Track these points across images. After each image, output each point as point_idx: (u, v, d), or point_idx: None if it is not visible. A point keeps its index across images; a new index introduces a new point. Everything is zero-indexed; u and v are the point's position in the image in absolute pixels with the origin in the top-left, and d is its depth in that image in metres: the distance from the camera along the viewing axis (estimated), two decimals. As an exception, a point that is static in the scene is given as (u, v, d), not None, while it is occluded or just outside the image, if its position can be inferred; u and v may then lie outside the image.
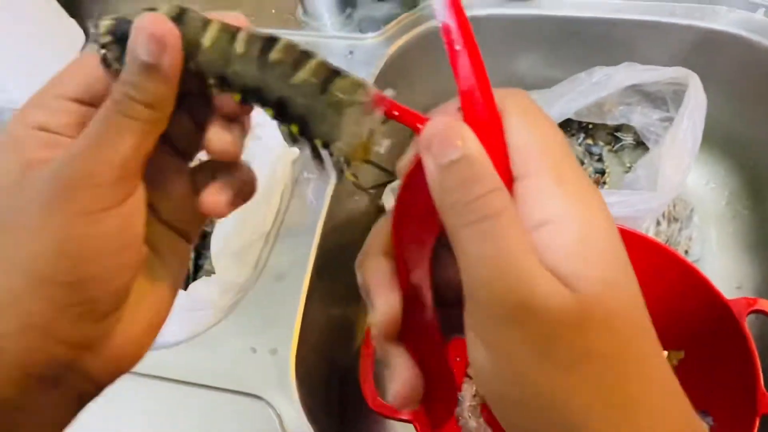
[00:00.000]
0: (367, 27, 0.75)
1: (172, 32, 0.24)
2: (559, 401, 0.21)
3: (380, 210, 0.77)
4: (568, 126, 0.82)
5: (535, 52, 0.78)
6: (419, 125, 0.24)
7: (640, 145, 0.79)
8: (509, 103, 0.24)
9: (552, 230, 0.21)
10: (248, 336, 0.57)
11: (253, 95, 0.26)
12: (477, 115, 0.23)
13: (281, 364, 0.55)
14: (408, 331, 0.26)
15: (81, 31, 0.79)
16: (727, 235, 0.76)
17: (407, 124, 0.25)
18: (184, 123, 0.28)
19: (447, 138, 0.22)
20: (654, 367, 0.22)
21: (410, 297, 0.26)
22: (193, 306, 0.62)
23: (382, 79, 0.73)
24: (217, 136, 0.27)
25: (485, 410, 0.65)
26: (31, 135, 0.25)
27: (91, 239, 0.24)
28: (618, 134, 0.81)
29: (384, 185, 0.24)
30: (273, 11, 0.78)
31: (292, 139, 0.26)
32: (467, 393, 0.65)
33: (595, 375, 0.21)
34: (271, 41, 0.25)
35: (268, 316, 0.58)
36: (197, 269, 0.71)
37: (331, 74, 0.25)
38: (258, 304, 0.59)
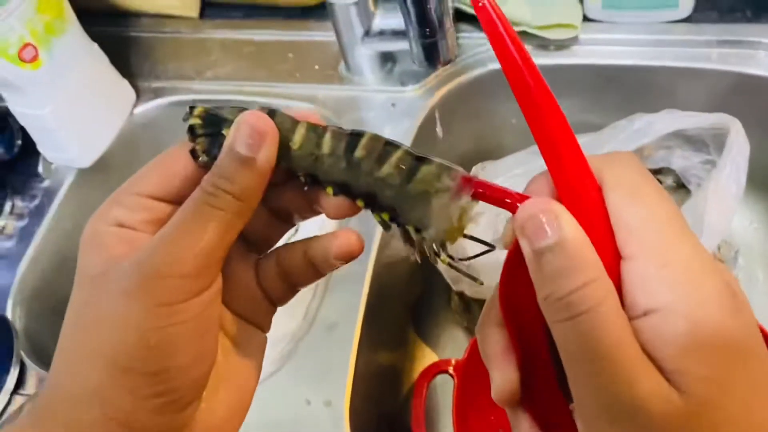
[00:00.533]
0: (408, 80, 0.77)
1: (272, 129, 0.26)
2: None
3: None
4: (607, 169, 0.83)
5: (574, 98, 0.79)
6: (511, 201, 0.24)
7: (681, 187, 0.79)
8: (608, 172, 0.23)
9: (657, 320, 0.20)
10: (302, 387, 0.58)
11: (343, 189, 0.27)
12: (573, 190, 0.22)
13: (335, 415, 0.56)
14: (532, 394, 0.26)
15: (133, 91, 0.83)
16: (775, 275, 0.76)
17: (498, 204, 0.25)
18: (259, 214, 0.29)
19: (540, 222, 0.22)
20: None
21: (530, 362, 0.26)
22: (246, 357, 0.64)
23: (424, 129, 0.74)
24: (329, 205, 0.27)
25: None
26: (111, 231, 0.26)
27: (172, 329, 0.24)
28: (659, 177, 0.81)
29: (482, 255, 0.24)
30: (316, 67, 0.81)
31: (385, 226, 0.27)
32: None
33: None
34: (355, 137, 0.26)
35: (321, 367, 0.59)
36: (249, 320, 0.72)
37: (415, 163, 0.25)
38: (310, 355, 0.60)
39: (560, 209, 0.22)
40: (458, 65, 0.77)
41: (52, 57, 0.69)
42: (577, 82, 0.78)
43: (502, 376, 0.26)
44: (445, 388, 0.69)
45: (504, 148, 0.81)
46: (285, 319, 0.67)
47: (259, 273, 0.30)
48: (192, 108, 0.28)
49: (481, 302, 0.74)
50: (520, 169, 0.74)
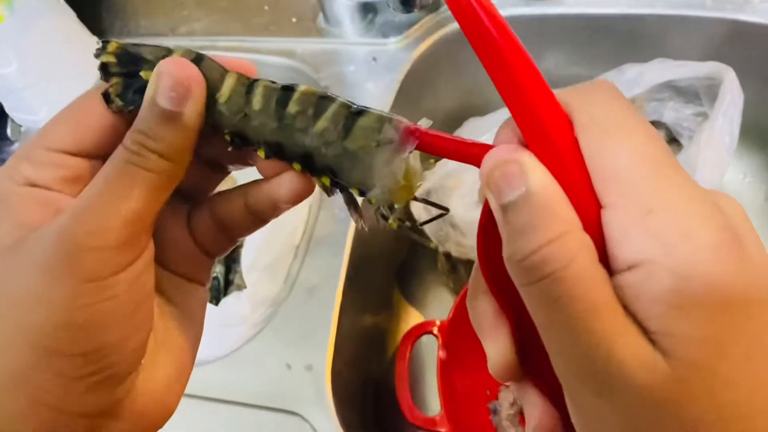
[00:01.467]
0: (389, 32, 0.74)
1: (198, 79, 0.23)
2: None
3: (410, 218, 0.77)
4: (596, 124, 0.81)
5: (561, 50, 0.76)
6: (473, 153, 0.21)
7: (673, 141, 0.77)
8: (580, 109, 0.19)
9: (641, 276, 0.17)
10: (282, 352, 0.57)
11: (276, 151, 0.24)
12: (540, 133, 0.19)
13: (317, 379, 0.55)
14: (534, 363, 0.23)
15: (104, 48, 0.80)
16: (766, 229, 0.74)
17: (456, 157, 0.22)
18: (190, 163, 0.26)
19: (504, 174, 0.19)
20: None
21: (526, 330, 0.22)
22: (225, 322, 0.62)
23: (408, 84, 0.72)
24: (284, 186, 0.25)
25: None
26: (21, 192, 0.23)
27: (101, 306, 0.21)
28: (649, 131, 0.79)
29: (436, 219, 0.22)
30: (294, 20, 0.78)
31: (327, 191, 0.24)
32: (505, 402, 0.64)
33: None
34: (287, 92, 0.24)
35: (302, 331, 0.58)
36: (228, 284, 0.71)
37: (352, 116, 0.23)
38: (291, 319, 0.59)
39: (526, 157, 0.19)
40: (441, 15, 0.74)
41: (14, 12, 0.66)
42: (564, 34, 0.75)
43: (495, 348, 0.23)
44: (430, 349, 0.68)
45: (492, 104, 0.79)
46: (265, 283, 0.66)
47: (192, 226, 0.27)
48: (105, 43, 0.24)
49: (467, 262, 0.73)
50: (507, 124, 0.72)
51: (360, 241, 0.64)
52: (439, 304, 0.76)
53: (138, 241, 0.22)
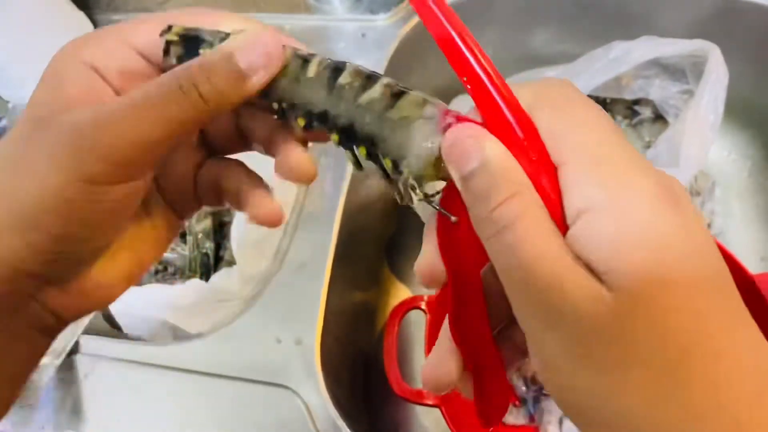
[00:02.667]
0: (378, 8, 0.74)
1: (278, 58, 0.25)
2: (599, 404, 0.20)
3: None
4: (584, 101, 0.81)
5: (549, 26, 0.76)
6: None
7: (659, 119, 0.78)
8: (535, 97, 0.22)
9: (588, 220, 0.20)
10: (272, 326, 0.57)
11: (319, 119, 0.26)
12: (494, 110, 0.22)
13: (306, 353, 0.56)
14: (464, 333, 0.26)
15: (90, 24, 0.79)
16: (749, 207, 0.75)
17: None
18: (226, 122, 0.28)
19: (464, 147, 0.22)
20: (732, 367, 0.19)
21: (464, 300, 0.25)
22: (215, 297, 0.63)
23: (397, 60, 0.72)
24: (296, 159, 0.27)
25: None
26: (78, 69, 0.24)
27: (87, 206, 0.23)
28: (636, 108, 0.79)
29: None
30: (282, -4, 0.77)
31: (358, 165, 0.26)
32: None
33: (642, 381, 0.19)
34: (340, 66, 0.25)
35: (291, 306, 0.58)
36: (218, 260, 0.71)
37: (398, 93, 0.24)
38: (281, 294, 0.59)
39: (482, 132, 0.22)
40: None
41: (-3, -15, 0.65)
42: (552, 10, 0.75)
43: (427, 249, 0.25)
44: (418, 324, 0.69)
45: (480, 81, 0.79)
46: (255, 259, 0.66)
47: (198, 172, 0.29)
48: (170, 26, 0.26)
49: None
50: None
51: (349, 218, 0.64)
52: (428, 280, 0.77)
53: (141, 168, 0.24)
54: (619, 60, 0.64)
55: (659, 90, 0.71)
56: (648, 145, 0.78)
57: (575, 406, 0.21)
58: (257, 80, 0.24)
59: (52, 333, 0.27)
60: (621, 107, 0.80)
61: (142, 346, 0.59)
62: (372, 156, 0.25)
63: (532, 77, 0.73)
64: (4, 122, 0.75)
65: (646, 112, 0.79)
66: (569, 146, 0.21)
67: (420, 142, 0.24)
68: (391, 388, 0.57)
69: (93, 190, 0.23)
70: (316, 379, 0.54)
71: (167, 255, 0.72)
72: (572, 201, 0.20)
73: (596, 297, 0.19)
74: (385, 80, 0.25)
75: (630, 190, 0.20)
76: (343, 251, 0.62)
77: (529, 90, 0.22)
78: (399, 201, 0.26)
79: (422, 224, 0.26)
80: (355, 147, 0.26)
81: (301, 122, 0.26)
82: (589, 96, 0.79)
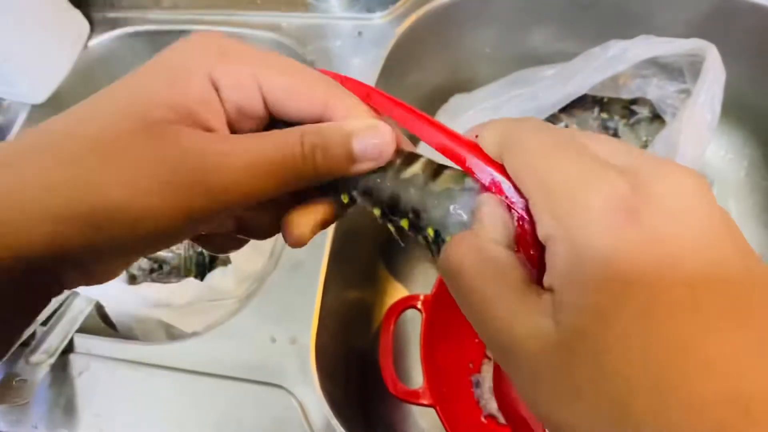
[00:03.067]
0: (375, 6, 0.74)
1: (389, 154, 0.26)
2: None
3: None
4: (581, 100, 0.81)
5: (547, 25, 0.76)
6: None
7: (657, 118, 0.78)
8: (501, 140, 0.23)
9: (549, 251, 0.20)
10: (267, 325, 0.57)
11: (363, 194, 0.27)
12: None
13: (301, 352, 0.55)
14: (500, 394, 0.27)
15: (86, 22, 0.79)
16: (746, 206, 0.75)
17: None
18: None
19: None
20: (682, 401, 0.17)
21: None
22: (210, 296, 0.63)
23: (393, 59, 0.71)
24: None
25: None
26: (204, 85, 0.24)
27: (171, 231, 0.23)
28: (634, 107, 0.79)
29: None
30: (279, -7, 0.77)
31: (400, 236, 0.28)
32: (487, 375, 0.65)
33: (589, 417, 0.18)
34: None
35: (287, 305, 0.58)
36: (213, 259, 0.71)
37: (439, 167, 0.26)
38: (276, 293, 0.59)
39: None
40: (429, -12, 0.74)
41: (-8, -17, 0.65)
42: (551, 10, 0.75)
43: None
44: (414, 324, 0.69)
45: (477, 80, 0.79)
46: (250, 258, 0.66)
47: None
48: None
49: (452, 238, 0.73)
50: (490, 102, 0.72)
51: (344, 217, 0.64)
52: (423, 279, 0.76)
53: (234, 213, 0.26)
54: (616, 59, 0.64)
55: (657, 89, 0.71)
56: (645, 145, 0.78)
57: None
58: (361, 168, 0.25)
59: (47, 299, 0.26)
60: (618, 106, 0.80)
61: (137, 345, 0.59)
62: (414, 227, 0.26)
63: (529, 76, 0.73)
64: (-1, 120, 0.75)
65: (643, 112, 0.79)
66: (528, 181, 0.21)
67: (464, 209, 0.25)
68: (385, 388, 0.57)
69: (185, 224, 0.23)
70: (311, 379, 0.54)
71: (163, 254, 0.72)
72: (539, 233, 0.21)
73: (542, 335, 0.19)
74: (424, 158, 0.27)
75: (578, 213, 0.19)
76: (339, 250, 0.62)
77: (495, 134, 0.23)
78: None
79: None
80: (398, 219, 0.27)
81: (345, 198, 0.28)
82: (587, 94, 0.79)
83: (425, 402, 0.56)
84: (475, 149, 0.24)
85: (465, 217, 0.24)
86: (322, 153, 0.24)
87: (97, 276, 0.26)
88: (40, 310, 0.26)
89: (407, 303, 0.62)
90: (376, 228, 0.78)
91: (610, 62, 0.65)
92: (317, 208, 0.28)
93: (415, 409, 0.68)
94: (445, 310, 0.61)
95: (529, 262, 0.22)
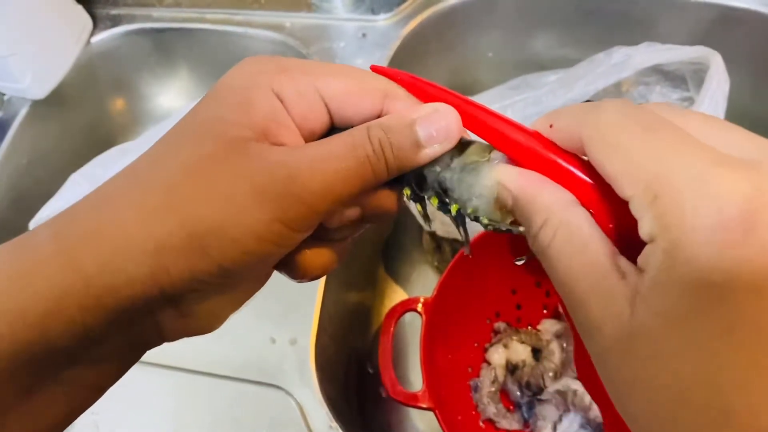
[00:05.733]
0: (380, 8, 0.74)
1: (455, 137, 0.25)
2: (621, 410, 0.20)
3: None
4: (584, 106, 0.81)
5: (551, 31, 0.76)
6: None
7: (659, 125, 0.78)
8: (583, 131, 0.22)
9: (647, 252, 0.19)
10: (267, 326, 0.57)
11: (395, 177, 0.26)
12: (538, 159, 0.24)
13: (301, 353, 0.55)
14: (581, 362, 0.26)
15: (89, 18, 0.78)
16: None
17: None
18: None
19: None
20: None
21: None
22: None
23: (397, 61, 0.71)
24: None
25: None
26: (269, 97, 0.24)
27: (269, 247, 0.23)
28: (636, 114, 0.79)
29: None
30: (284, -7, 0.77)
31: (425, 217, 0.28)
32: (486, 379, 0.65)
33: (647, 406, 0.19)
34: None
35: (287, 306, 0.58)
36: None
37: (463, 143, 0.26)
38: (276, 294, 0.58)
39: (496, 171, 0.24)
40: (435, -10, 0.74)
41: (-4, -22, 0.65)
42: (555, 15, 0.75)
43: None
44: (413, 328, 0.69)
45: (480, 84, 0.79)
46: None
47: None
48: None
49: (452, 241, 0.73)
50: (494, 105, 0.72)
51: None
52: (424, 283, 0.76)
53: (321, 220, 0.25)
54: (620, 65, 0.64)
55: (660, 96, 0.71)
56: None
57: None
58: (430, 153, 0.25)
59: (144, 350, 0.26)
60: (620, 113, 0.80)
61: (135, 344, 0.58)
62: (443, 204, 0.26)
63: (532, 81, 0.73)
64: (0, 115, 0.75)
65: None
66: (626, 182, 0.20)
67: (488, 183, 0.25)
68: (385, 391, 0.57)
69: (284, 234, 0.23)
70: (310, 380, 0.54)
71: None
72: (642, 231, 0.19)
73: (616, 320, 0.19)
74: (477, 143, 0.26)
75: (685, 227, 0.18)
76: (340, 252, 0.62)
77: (581, 122, 0.22)
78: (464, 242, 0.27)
79: (417, 226, 0.27)
80: (426, 199, 0.27)
81: (407, 191, 0.27)
82: (588, 101, 0.79)
83: (424, 405, 0.55)
84: (540, 139, 0.24)
85: (487, 186, 0.25)
86: (389, 144, 0.24)
87: (199, 319, 0.26)
88: (132, 363, 0.27)
89: (407, 306, 0.62)
90: (377, 230, 0.78)
91: (614, 68, 0.65)
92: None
93: (413, 413, 0.68)
94: (445, 314, 0.60)
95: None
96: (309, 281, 0.29)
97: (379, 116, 0.26)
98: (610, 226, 0.22)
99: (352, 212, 0.26)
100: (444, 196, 0.26)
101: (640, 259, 0.19)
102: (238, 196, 0.22)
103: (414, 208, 0.28)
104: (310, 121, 0.25)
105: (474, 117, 0.25)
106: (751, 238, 0.17)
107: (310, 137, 0.26)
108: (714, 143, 0.19)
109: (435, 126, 0.24)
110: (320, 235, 0.27)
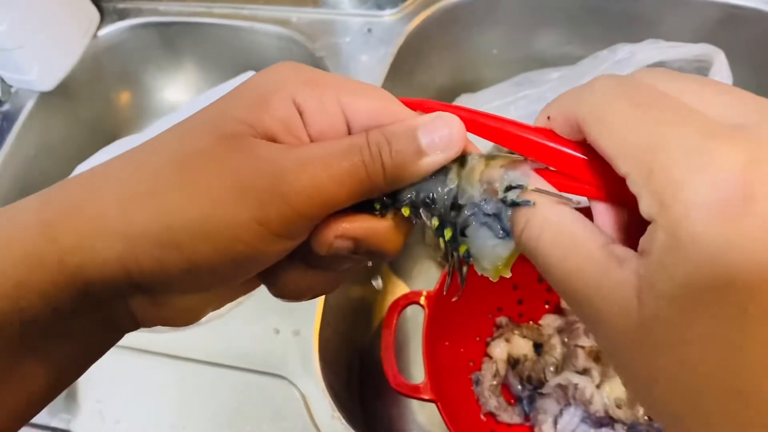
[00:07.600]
0: (386, 3, 0.74)
1: (461, 142, 0.24)
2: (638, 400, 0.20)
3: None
4: (587, 103, 0.81)
5: (555, 27, 0.77)
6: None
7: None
8: (579, 113, 0.21)
9: (649, 231, 0.18)
10: (271, 317, 0.57)
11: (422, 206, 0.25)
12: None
13: (304, 344, 0.56)
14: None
15: (96, 11, 0.79)
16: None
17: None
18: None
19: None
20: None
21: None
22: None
23: (402, 57, 0.72)
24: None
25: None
26: (287, 106, 0.24)
27: (246, 249, 0.22)
28: (639, 112, 0.80)
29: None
30: (289, -11, 0.78)
31: (443, 251, 0.26)
32: (487, 373, 0.65)
33: (665, 399, 0.19)
34: None
35: (290, 297, 0.58)
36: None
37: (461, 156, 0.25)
38: (280, 285, 0.59)
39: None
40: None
41: (4, -30, 0.65)
42: (559, 12, 0.75)
43: None
44: (415, 321, 0.69)
45: (484, 81, 0.79)
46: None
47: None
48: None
49: (455, 236, 0.73)
50: (496, 102, 0.72)
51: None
52: (426, 277, 0.77)
53: (310, 228, 0.24)
54: (623, 62, 0.65)
55: (662, 94, 0.71)
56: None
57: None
58: (432, 161, 0.24)
59: (120, 331, 0.26)
60: (624, 110, 0.80)
61: (139, 333, 0.58)
62: (454, 241, 0.26)
63: (536, 77, 0.73)
64: (7, 106, 0.75)
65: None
66: (622, 159, 0.19)
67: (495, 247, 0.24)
68: (387, 381, 0.57)
69: (263, 237, 0.22)
70: (313, 371, 0.54)
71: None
72: (642, 209, 0.19)
73: (623, 312, 0.19)
74: (476, 153, 0.26)
75: (680, 201, 0.17)
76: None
77: (576, 103, 0.22)
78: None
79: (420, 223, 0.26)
80: (426, 219, 0.26)
81: (406, 211, 0.26)
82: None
83: (426, 397, 0.56)
84: (546, 133, 0.23)
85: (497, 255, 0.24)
86: (388, 149, 0.23)
87: (174, 311, 0.25)
88: (109, 345, 0.26)
89: (410, 299, 0.62)
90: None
91: (618, 65, 0.65)
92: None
93: (414, 405, 0.69)
94: (447, 308, 0.61)
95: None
96: (293, 302, 0.28)
97: None
98: (625, 210, 0.22)
99: (344, 243, 0.25)
100: (448, 224, 0.25)
101: (642, 240, 0.19)
102: (220, 190, 0.22)
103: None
104: (327, 136, 0.25)
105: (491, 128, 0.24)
106: (750, 211, 0.16)
107: None
108: (710, 109, 0.19)
109: (438, 133, 0.24)
110: (309, 259, 0.26)
